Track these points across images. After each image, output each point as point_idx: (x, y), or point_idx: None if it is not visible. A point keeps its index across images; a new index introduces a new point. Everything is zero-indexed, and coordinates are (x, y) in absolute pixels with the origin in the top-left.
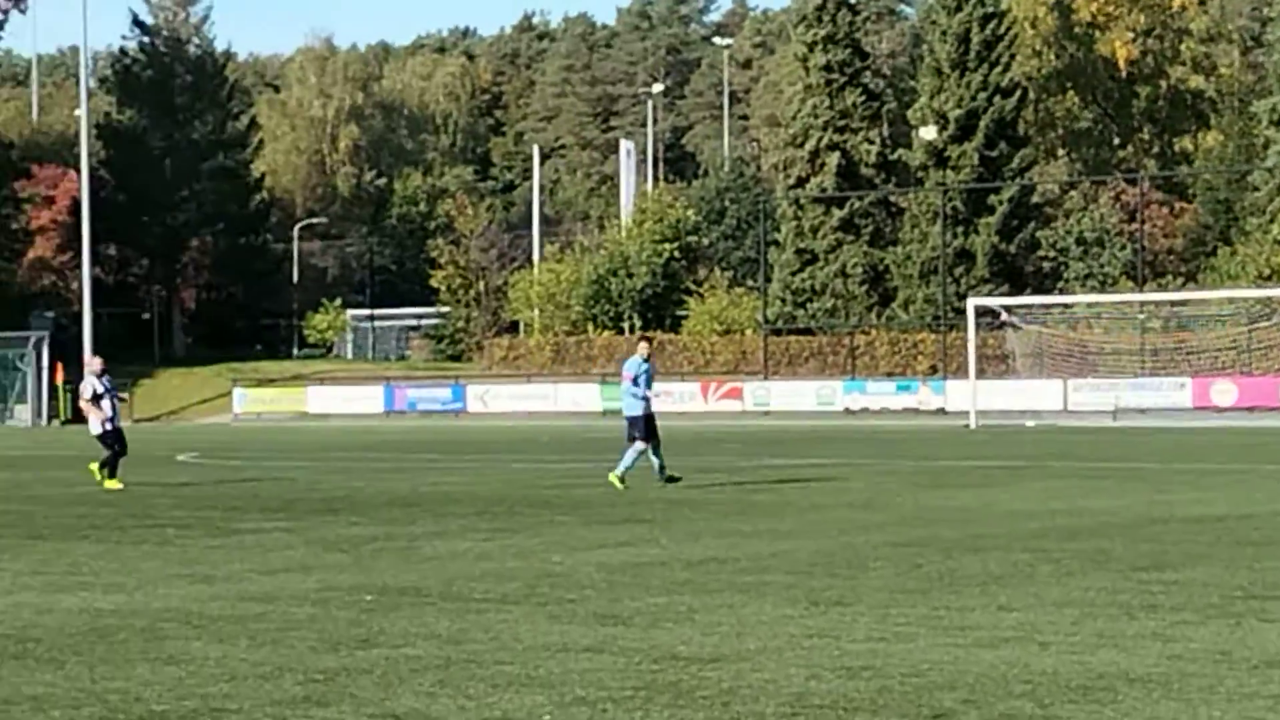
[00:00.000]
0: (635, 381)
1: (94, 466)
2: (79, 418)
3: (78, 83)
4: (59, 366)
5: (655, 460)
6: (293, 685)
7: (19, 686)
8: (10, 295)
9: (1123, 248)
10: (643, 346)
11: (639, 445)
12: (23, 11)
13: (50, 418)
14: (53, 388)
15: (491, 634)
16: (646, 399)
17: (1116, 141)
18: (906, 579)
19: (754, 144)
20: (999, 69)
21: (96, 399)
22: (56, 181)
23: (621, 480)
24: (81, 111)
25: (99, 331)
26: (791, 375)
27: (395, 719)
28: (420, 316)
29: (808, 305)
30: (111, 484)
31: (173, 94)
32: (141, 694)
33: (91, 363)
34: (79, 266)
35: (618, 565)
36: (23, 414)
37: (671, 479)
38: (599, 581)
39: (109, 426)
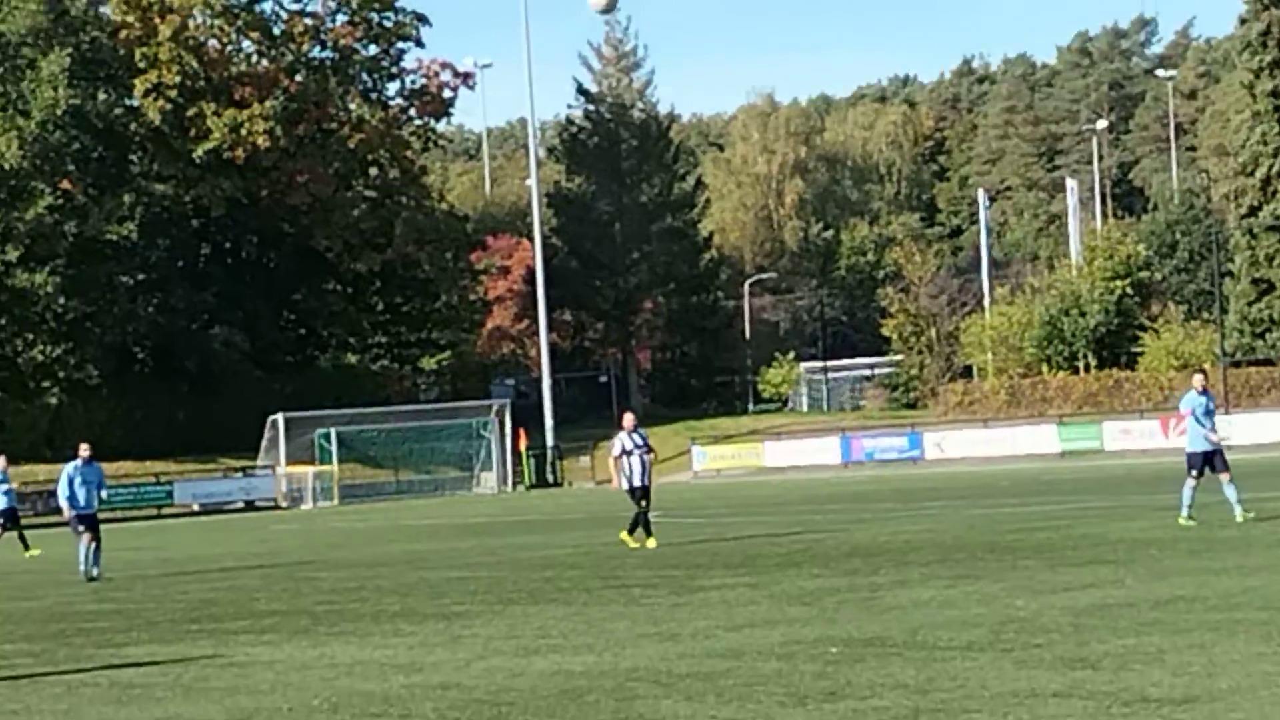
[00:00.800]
0: (1198, 419)
1: (623, 535)
2: (543, 483)
3: (527, 154)
4: (521, 433)
5: (1229, 494)
6: None
7: None
8: (471, 365)
9: None
10: (1198, 379)
11: (1193, 482)
12: (471, 88)
13: (514, 484)
14: (516, 454)
15: (958, 682)
16: (1210, 436)
17: None
18: None
19: (1203, 175)
20: None
21: (625, 454)
22: (511, 251)
23: (1190, 518)
24: (532, 181)
25: (558, 396)
26: (1253, 407)
27: None
28: (873, 366)
29: (1266, 335)
30: (628, 539)
31: (619, 159)
32: None
33: (625, 419)
34: (536, 333)
35: (1083, 608)
36: (488, 481)
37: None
38: (1064, 625)
39: (637, 484)
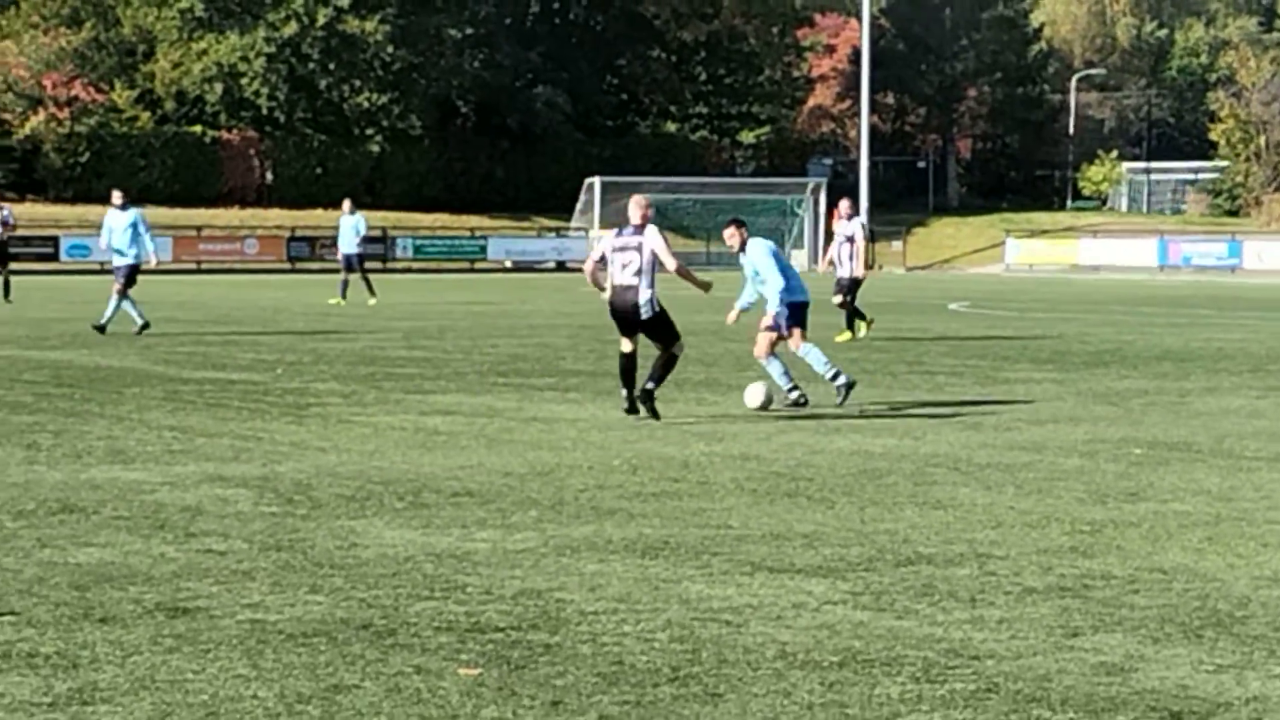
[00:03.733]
0: None
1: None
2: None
3: None
4: (835, 213)
5: None
6: (1059, 535)
7: (791, 523)
8: (790, 141)
9: None
10: None
11: None
12: None
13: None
14: (829, 234)
15: (1262, 492)
16: None
17: None
18: None
19: None
20: None
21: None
22: (838, 30)
23: None
24: None
25: (874, 179)
26: None
27: (1162, 573)
28: (1197, 170)
29: None
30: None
31: None
32: (909, 536)
33: (839, 206)
34: (857, 114)
35: None
36: (798, 258)
37: None
38: None
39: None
